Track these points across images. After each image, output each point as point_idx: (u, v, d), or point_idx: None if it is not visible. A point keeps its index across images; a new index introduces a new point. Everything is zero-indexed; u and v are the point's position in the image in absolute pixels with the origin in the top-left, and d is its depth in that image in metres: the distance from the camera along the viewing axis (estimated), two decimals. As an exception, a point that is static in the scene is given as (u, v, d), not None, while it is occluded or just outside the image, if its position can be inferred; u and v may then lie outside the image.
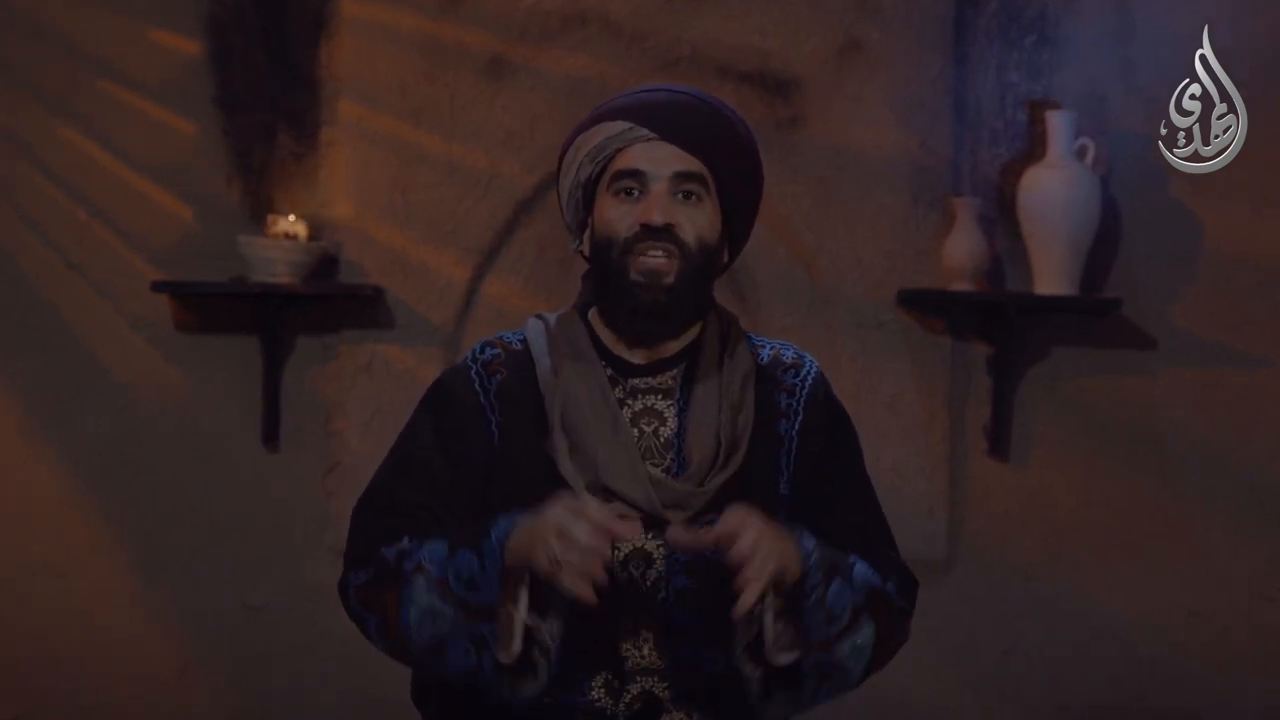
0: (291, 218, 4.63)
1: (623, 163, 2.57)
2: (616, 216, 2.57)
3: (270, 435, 4.71)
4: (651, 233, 2.54)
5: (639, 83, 4.59)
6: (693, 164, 2.56)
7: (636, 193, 2.57)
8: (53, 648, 4.71)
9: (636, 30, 4.72)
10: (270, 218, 4.63)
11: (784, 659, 2.47)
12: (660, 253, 2.54)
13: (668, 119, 2.58)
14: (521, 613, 2.43)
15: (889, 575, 2.61)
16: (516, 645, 2.43)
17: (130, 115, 4.72)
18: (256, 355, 4.70)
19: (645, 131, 2.57)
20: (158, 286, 4.64)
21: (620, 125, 2.58)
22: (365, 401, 4.70)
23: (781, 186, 4.68)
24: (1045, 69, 4.72)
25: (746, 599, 2.38)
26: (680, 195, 2.57)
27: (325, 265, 4.70)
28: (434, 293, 4.71)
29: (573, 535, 2.35)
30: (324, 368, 4.74)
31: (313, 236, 4.67)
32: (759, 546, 2.38)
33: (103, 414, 4.71)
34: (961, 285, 4.65)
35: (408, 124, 4.71)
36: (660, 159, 2.56)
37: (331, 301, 4.70)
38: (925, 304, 4.70)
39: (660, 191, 2.55)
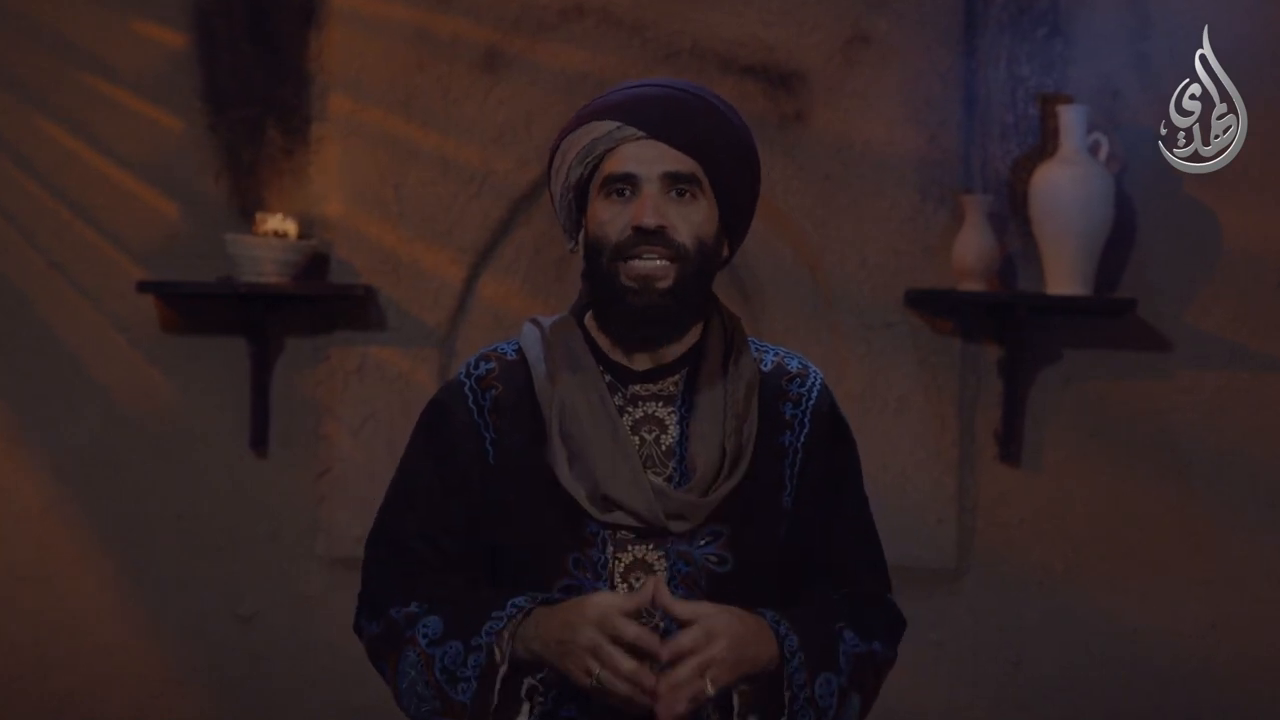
0: (280, 215, 4.66)
1: (612, 165, 2.60)
2: (609, 218, 2.60)
3: (259, 440, 4.74)
4: (644, 235, 2.57)
5: (639, 77, 4.66)
6: (684, 162, 2.59)
7: (628, 193, 2.59)
8: (39, 658, 4.75)
9: (636, 22, 4.75)
10: (258, 216, 4.66)
11: None
12: (654, 256, 2.57)
13: (656, 116, 2.60)
14: (528, 684, 2.53)
15: (876, 631, 2.66)
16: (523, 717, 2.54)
17: (114, 110, 4.76)
18: (244, 357, 4.74)
19: (633, 130, 2.60)
20: (143, 286, 4.68)
21: (608, 125, 2.61)
22: (357, 405, 4.73)
23: (786, 183, 4.71)
24: (1057, 62, 4.75)
25: (663, 710, 2.44)
26: (674, 193, 2.59)
27: (315, 264, 4.74)
28: (427, 293, 4.74)
29: (614, 663, 2.43)
30: (314, 370, 4.77)
31: (302, 235, 4.71)
32: (703, 669, 2.44)
33: (86, 418, 4.75)
34: (971, 285, 4.67)
35: (400, 119, 4.73)
36: (650, 159, 2.59)
37: (322, 302, 4.73)
38: (934, 304, 4.73)
39: (652, 193, 2.58)
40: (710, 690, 2.45)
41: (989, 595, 4.77)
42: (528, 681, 2.53)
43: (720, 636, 2.46)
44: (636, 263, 2.57)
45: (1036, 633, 4.76)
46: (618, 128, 2.60)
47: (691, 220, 2.59)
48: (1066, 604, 4.76)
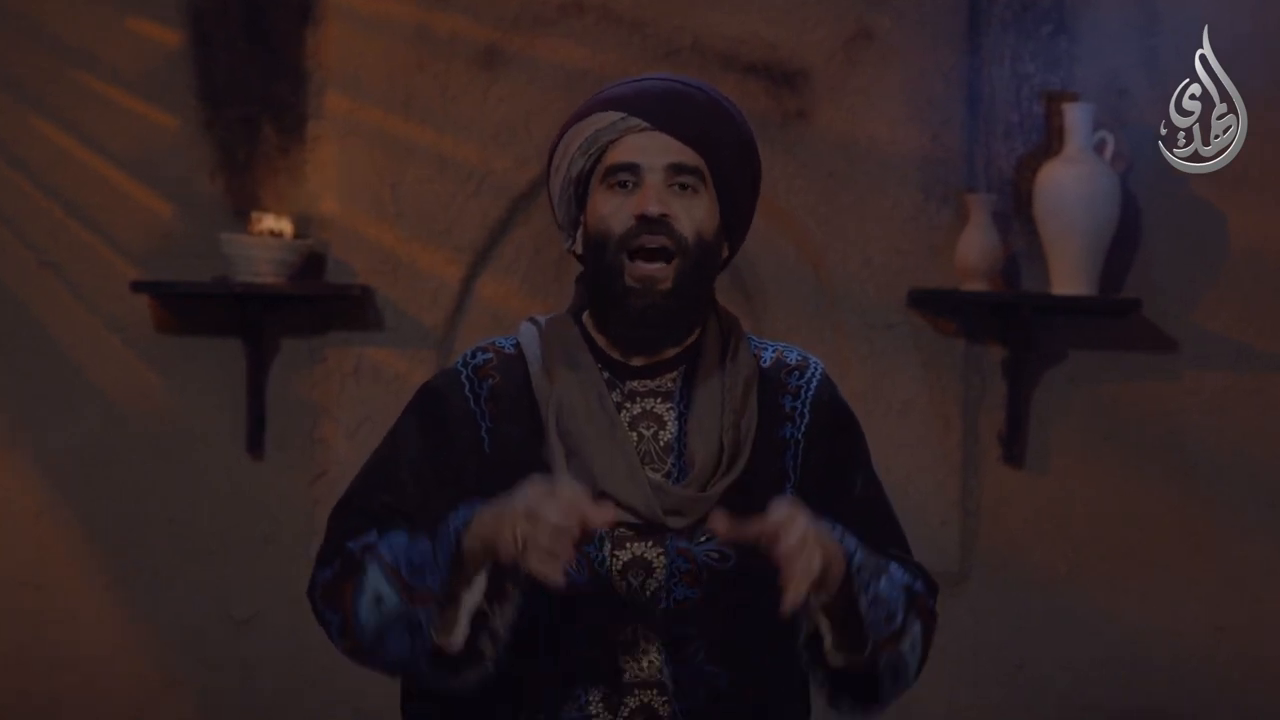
0: (276, 215, 4.68)
1: (616, 156, 2.61)
2: (611, 210, 2.61)
3: (254, 442, 4.76)
4: (647, 225, 2.58)
5: (639, 74, 4.67)
6: (688, 155, 2.61)
7: (631, 185, 2.61)
8: (34, 660, 4.77)
9: (636, 19, 4.77)
10: (254, 215, 4.68)
11: (840, 659, 2.55)
12: (657, 252, 2.58)
13: (661, 108, 2.62)
14: (471, 599, 2.48)
15: (915, 575, 2.68)
16: (459, 635, 2.48)
17: (108, 108, 4.78)
18: (240, 358, 4.75)
19: (638, 121, 2.61)
20: (137, 286, 4.70)
21: (612, 115, 2.62)
22: (353, 407, 4.75)
23: (788, 182, 4.73)
24: (1063, 59, 4.77)
25: (791, 597, 2.42)
26: (676, 187, 2.61)
27: (311, 264, 4.76)
28: (425, 293, 4.76)
29: (542, 514, 2.40)
30: (310, 371, 4.79)
31: (298, 234, 4.73)
32: (805, 543, 2.43)
33: (79, 419, 4.77)
34: (975, 285, 4.69)
35: (397, 117, 4.76)
36: (654, 150, 2.60)
37: (318, 302, 4.75)
38: (937, 304, 4.75)
39: (655, 183, 2.59)
40: (816, 566, 2.42)
41: (991, 597, 4.79)
42: (469, 599, 2.48)
43: (803, 512, 2.46)
44: (640, 263, 2.58)
45: (1039, 634, 4.78)
46: (622, 118, 2.61)
47: (694, 215, 2.60)
48: (1069, 605, 4.78)
